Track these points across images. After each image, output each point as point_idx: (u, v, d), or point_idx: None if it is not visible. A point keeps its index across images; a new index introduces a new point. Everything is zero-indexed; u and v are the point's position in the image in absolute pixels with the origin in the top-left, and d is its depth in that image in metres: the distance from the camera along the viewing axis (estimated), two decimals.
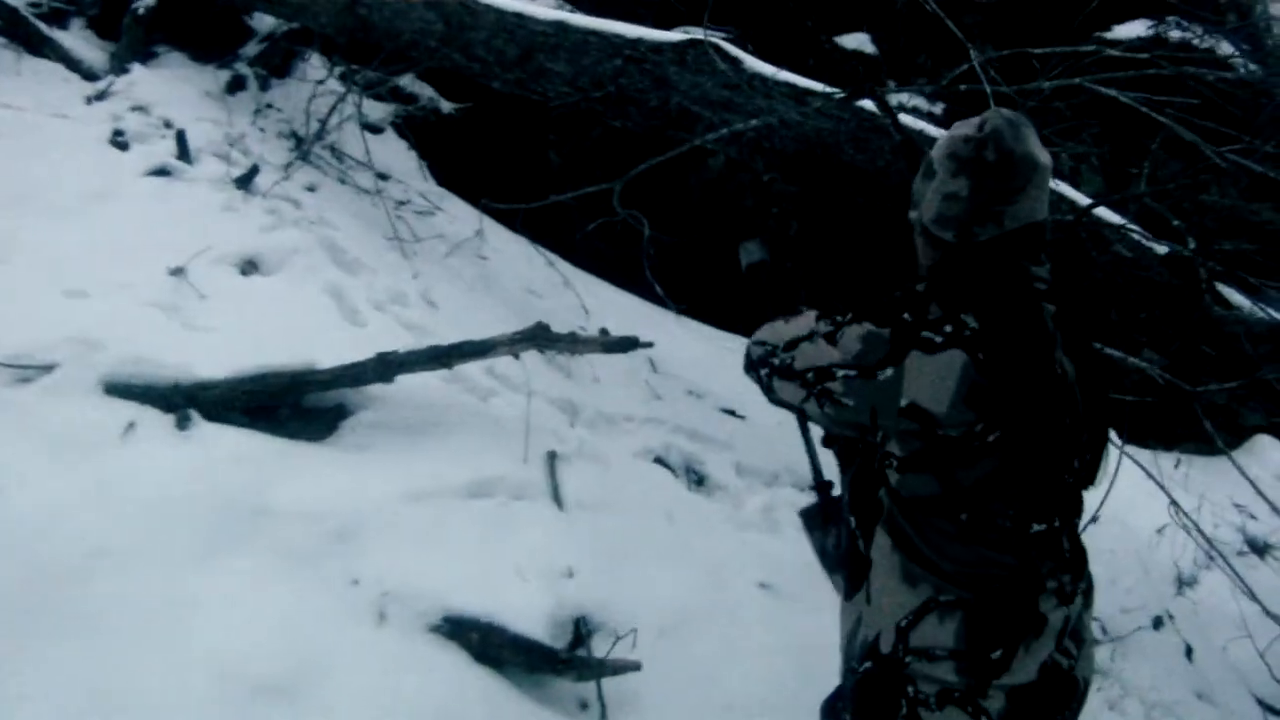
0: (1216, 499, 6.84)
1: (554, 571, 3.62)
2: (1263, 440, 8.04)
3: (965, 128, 2.08)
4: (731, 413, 5.39)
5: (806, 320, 2.24)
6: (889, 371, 1.98)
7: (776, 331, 2.29)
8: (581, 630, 3.48)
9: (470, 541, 3.61)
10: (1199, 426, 4.86)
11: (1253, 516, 7.14)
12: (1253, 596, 4.41)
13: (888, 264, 6.95)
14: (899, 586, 2.07)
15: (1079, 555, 2.15)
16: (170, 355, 4.01)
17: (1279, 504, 5.05)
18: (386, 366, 3.98)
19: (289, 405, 4.07)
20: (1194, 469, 6.58)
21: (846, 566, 2.29)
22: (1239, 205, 4.62)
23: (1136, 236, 4.46)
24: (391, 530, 3.57)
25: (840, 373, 2.07)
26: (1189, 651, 5.05)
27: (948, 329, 1.95)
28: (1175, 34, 7.93)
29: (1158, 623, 5.13)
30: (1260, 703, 4.94)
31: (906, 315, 2.00)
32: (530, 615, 3.39)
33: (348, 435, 4.03)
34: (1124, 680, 4.42)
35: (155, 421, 3.79)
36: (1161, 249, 4.54)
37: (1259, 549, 6.82)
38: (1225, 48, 7.53)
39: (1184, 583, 5.70)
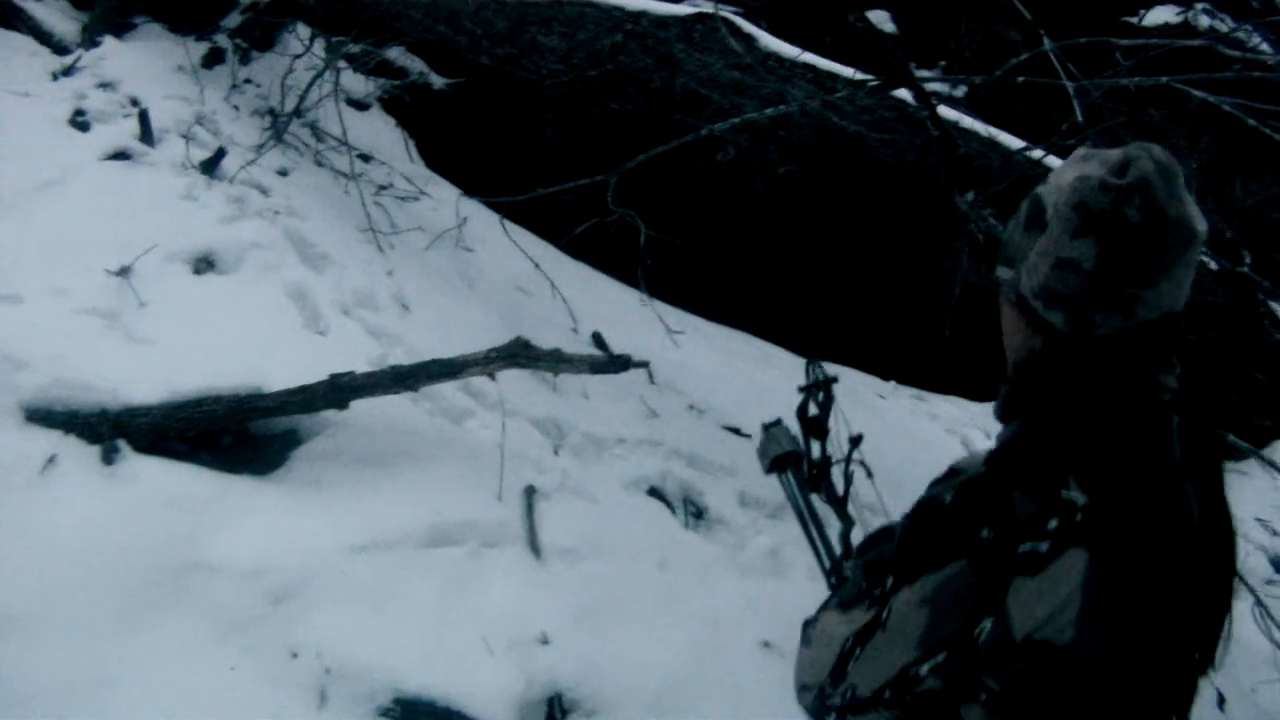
0: (1242, 515, 6.37)
1: (526, 638, 3.16)
2: None
3: (1098, 166, 1.45)
4: (736, 431, 4.90)
5: (833, 624, 1.61)
6: (988, 625, 1.39)
7: (812, 666, 1.68)
8: (556, 713, 3.03)
9: (429, 603, 3.16)
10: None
11: (1275, 533, 6.68)
12: None
13: (916, 290, 6.53)
14: None
15: None
16: (102, 374, 3.58)
17: None
18: (339, 391, 3.51)
19: (233, 432, 3.61)
20: None
21: None
22: None
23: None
24: (338, 589, 3.12)
25: (924, 668, 1.46)
26: (1221, 701, 4.58)
27: (1052, 525, 1.37)
28: (1204, 20, 7.38)
29: None
30: None
31: (985, 531, 1.39)
32: (496, 697, 2.95)
33: (298, 468, 3.56)
34: None
35: (79, 454, 3.37)
36: (1213, 264, 4.02)
37: None
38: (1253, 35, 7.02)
39: None
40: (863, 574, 1.58)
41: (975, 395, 7.07)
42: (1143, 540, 1.39)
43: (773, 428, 2.24)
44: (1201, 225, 1.44)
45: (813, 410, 2.14)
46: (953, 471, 1.50)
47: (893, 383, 6.99)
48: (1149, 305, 1.44)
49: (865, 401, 6.11)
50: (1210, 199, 4.83)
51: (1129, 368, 1.47)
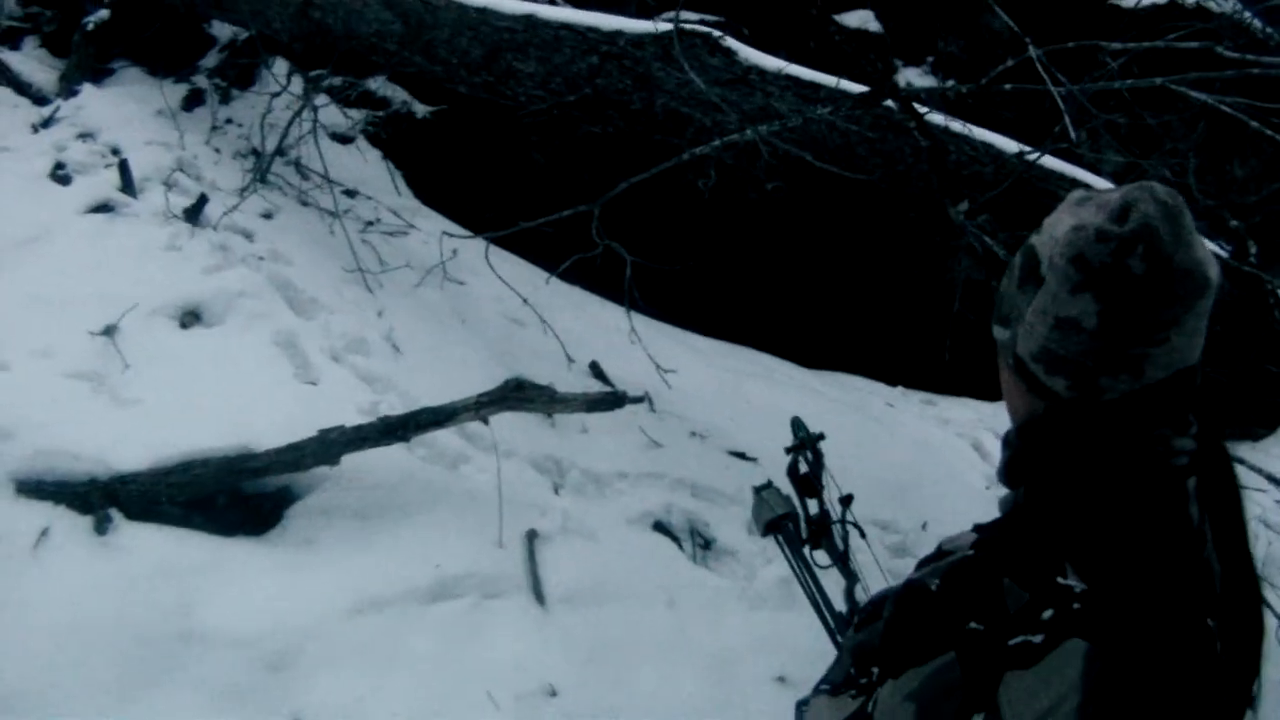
0: (1265, 501, 6.25)
1: (534, 690, 3.10)
2: None
3: (1096, 212, 1.31)
4: (741, 455, 4.80)
5: (823, 709, 1.49)
6: None
7: None
8: None
9: (432, 660, 3.10)
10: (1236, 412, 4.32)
11: None
12: None
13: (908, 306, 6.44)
14: None
15: None
16: (91, 441, 3.53)
17: None
18: (328, 447, 3.44)
19: (226, 493, 3.54)
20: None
21: None
22: None
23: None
24: (339, 652, 3.06)
25: None
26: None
27: (1046, 615, 1.24)
28: None
29: None
30: None
31: (973, 623, 1.27)
32: None
33: (293, 526, 3.50)
34: None
35: (71, 526, 3.33)
36: (1221, 254, 3.94)
37: None
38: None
39: None
40: (851, 658, 1.48)
41: (986, 395, 6.97)
42: (1147, 625, 1.26)
43: (764, 491, 2.16)
44: (1214, 270, 1.30)
45: (803, 468, 2.07)
46: (941, 553, 1.39)
47: (900, 388, 6.89)
48: (1159, 364, 1.30)
49: (874, 411, 6.01)
50: (1210, 177, 4.74)
51: (1140, 434, 1.34)
